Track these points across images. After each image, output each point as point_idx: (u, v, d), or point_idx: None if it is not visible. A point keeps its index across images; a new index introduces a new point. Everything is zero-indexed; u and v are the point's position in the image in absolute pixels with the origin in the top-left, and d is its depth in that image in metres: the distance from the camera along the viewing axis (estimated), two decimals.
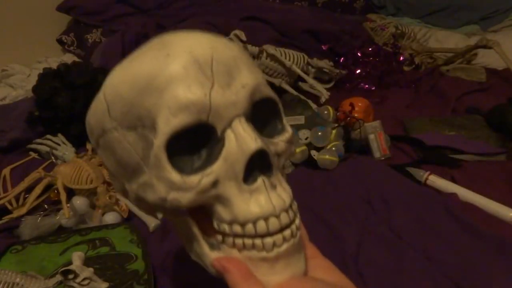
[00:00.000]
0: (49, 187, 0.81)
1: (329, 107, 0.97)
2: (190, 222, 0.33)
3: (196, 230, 0.33)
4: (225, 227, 0.32)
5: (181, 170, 0.30)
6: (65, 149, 0.95)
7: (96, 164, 0.86)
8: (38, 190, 0.78)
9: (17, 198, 0.79)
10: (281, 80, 1.26)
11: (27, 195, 0.79)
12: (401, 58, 1.41)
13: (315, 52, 1.41)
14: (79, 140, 0.97)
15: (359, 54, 1.37)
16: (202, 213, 0.33)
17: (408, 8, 2.01)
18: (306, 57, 1.31)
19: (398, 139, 0.98)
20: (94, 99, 0.34)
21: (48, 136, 0.99)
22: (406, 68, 1.47)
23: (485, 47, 1.36)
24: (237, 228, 0.31)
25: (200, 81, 0.29)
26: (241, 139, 0.30)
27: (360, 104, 1.04)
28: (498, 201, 0.73)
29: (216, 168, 0.31)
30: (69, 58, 1.55)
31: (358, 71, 1.34)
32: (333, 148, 0.87)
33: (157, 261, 0.64)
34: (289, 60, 1.26)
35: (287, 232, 0.32)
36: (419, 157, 0.91)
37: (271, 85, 1.27)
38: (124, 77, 0.31)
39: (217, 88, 0.30)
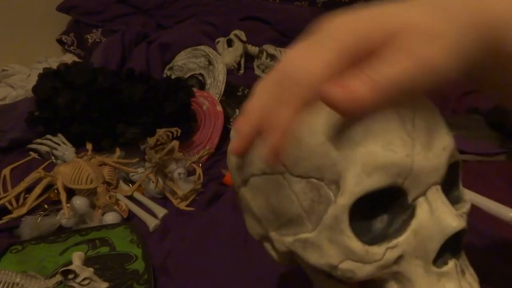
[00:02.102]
0: (49, 187, 0.81)
1: None
2: None
3: None
4: None
5: (358, 235, 0.26)
6: (65, 149, 0.95)
7: (96, 164, 0.86)
8: (38, 190, 0.78)
9: (17, 198, 0.79)
10: None
11: (27, 195, 0.79)
12: None
13: None
14: (79, 140, 0.97)
15: None
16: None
17: None
18: None
19: None
20: None
21: (48, 136, 0.99)
22: None
23: None
24: None
25: (402, 138, 0.25)
26: (439, 213, 0.26)
27: None
28: (498, 201, 0.73)
29: (403, 242, 0.26)
30: (69, 58, 1.55)
31: None
32: None
33: (157, 261, 0.64)
34: None
35: None
36: None
37: None
38: (303, 119, 0.25)
39: (419, 149, 0.25)
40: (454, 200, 0.30)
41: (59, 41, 1.65)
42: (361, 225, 0.26)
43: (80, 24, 1.66)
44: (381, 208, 0.27)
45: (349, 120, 0.25)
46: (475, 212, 0.75)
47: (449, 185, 0.30)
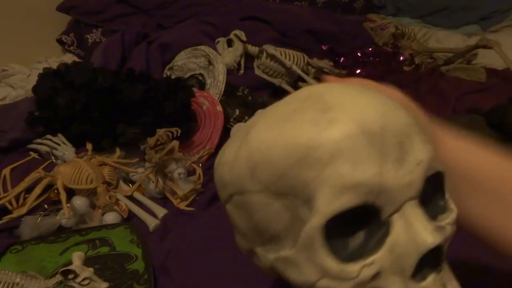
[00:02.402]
0: (49, 187, 0.81)
1: None
2: None
3: None
4: None
5: (335, 253, 0.26)
6: (65, 149, 0.95)
7: (96, 164, 0.86)
8: (38, 190, 0.78)
9: (17, 198, 0.79)
10: (281, 80, 1.26)
11: (27, 195, 0.79)
12: (401, 58, 1.41)
13: (315, 52, 1.41)
14: (79, 140, 0.97)
15: (359, 54, 1.37)
16: None
17: (408, 8, 2.01)
18: (306, 57, 1.31)
19: None
20: (230, 152, 0.30)
21: (48, 136, 0.99)
22: (406, 68, 1.47)
23: (485, 47, 1.36)
24: None
25: (370, 157, 0.25)
26: (414, 230, 0.26)
27: None
28: None
29: (379, 259, 0.26)
30: (69, 58, 1.55)
31: (358, 71, 1.34)
32: None
33: (157, 261, 0.64)
34: (289, 60, 1.25)
35: None
36: None
37: (272, 85, 1.27)
38: (275, 142, 0.26)
39: (389, 166, 0.25)
40: (439, 210, 0.30)
41: (59, 41, 1.65)
42: (338, 243, 0.26)
43: (80, 24, 1.66)
44: (358, 225, 0.27)
45: (318, 144, 0.25)
46: None
47: (432, 196, 0.30)
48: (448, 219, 0.29)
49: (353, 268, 0.26)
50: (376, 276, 0.26)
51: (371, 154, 0.25)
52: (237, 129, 1.00)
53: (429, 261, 0.27)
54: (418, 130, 0.28)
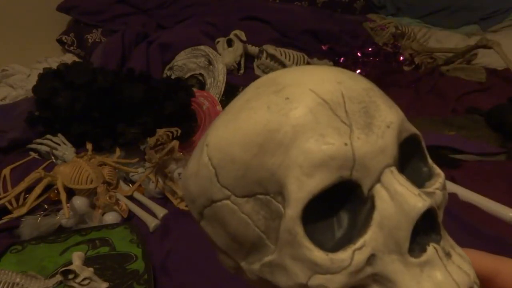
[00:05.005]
0: (49, 187, 0.81)
1: None
2: None
3: None
4: None
5: (320, 244, 0.23)
6: (65, 149, 0.95)
7: (96, 164, 0.86)
8: (38, 190, 0.78)
9: (17, 198, 0.79)
10: None
11: (27, 195, 0.79)
12: (401, 58, 1.41)
13: (315, 52, 1.41)
14: (79, 140, 0.97)
15: (359, 54, 1.37)
16: None
17: (408, 8, 2.01)
18: (306, 57, 1.31)
19: None
20: (193, 163, 0.27)
21: (48, 136, 0.99)
22: (406, 68, 1.47)
23: (485, 47, 1.36)
24: None
25: (335, 127, 0.23)
26: (400, 197, 0.23)
27: None
28: (498, 201, 0.73)
29: (370, 239, 0.23)
30: (69, 58, 1.55)
31: (358, 71, 1.34)
32: None
33: (157, 261, 0.64)
34: (289, 60, 1.26)
35: None
36: None
37: None
38: (232, 135, 0.24)
39: (358, 133, 0.23)
40: (424, 178, 0.27)
41: (59, 41, 1.65)
42: (321, 232, 0.24)
43: (80, 24, 1.67)
44: (339, 207, 0.24)
45: (277, 125, 0.23)
46: (475, 212, 0.76)
47: (413, 163, 0.27)
48: (436, 184, 0.27)
49: (343, 255, 0.23)
50: (371, 259, 0.23)
51: (335, 124, 0.23)
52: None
53: (425, 230, 0.24)
54: (380, 94, 0.26)
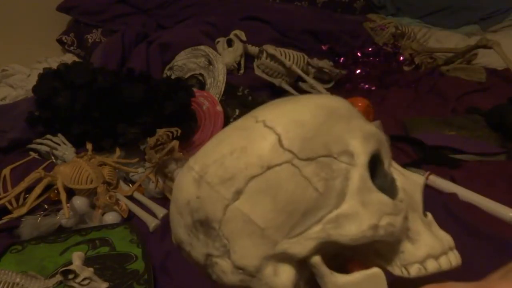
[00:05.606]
0: (49, 187, 0.81)
1: None
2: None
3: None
4: (416, 268, 0.29)
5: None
6: (65, 149, 0.95)
7: (96, 164, 0.86)
8: (38, 190, 0.78)
9: (17, 198, 0.79)
10: (281, 80, 1.26)
11: (27, 195, 0.79)
12: (401, 58, 1.41)
13: (315, 52, 1.41)
14: (79, 140, 0.97)
15: (359, 54, 1.37)
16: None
17: (408, 8, 2.01)
18: (306, 57, 1.31)
19: (398, 139, 0.98)
20: (236, 140, 0.29)
21: (48, 136, 0.99)
22: (406, 68, 1.47)
23: (485, 47, 1.36)
24: (433, 265, 0.29)
25: (356, 117, 0.31)
26: (406, 173, 0.31)
27: (360, 104, 1.04)
28: (498, 201, 0.73)
29: (402, 197, 0.29)
30: (69, 58, 1.55)
31: (358, 71, 1.34)
32: None
33: (157, 261, 0.64)
34: (289, 60, 1.26)
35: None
36: (419, 157, 0.91)
37: (272, 85, 1.27)
38: (302, 109, 0.29)
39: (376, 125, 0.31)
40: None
41: (59, 41, 1.65)
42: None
43: (80, 24, 1.67)
44: (373, 176, 0.29)
45: (338, 104, 0.30)
46: (475, 212, 0.76)
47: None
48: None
49: (397, 203, 0.28)
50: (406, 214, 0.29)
51: (352, 117, 0.30)
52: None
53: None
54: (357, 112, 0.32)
